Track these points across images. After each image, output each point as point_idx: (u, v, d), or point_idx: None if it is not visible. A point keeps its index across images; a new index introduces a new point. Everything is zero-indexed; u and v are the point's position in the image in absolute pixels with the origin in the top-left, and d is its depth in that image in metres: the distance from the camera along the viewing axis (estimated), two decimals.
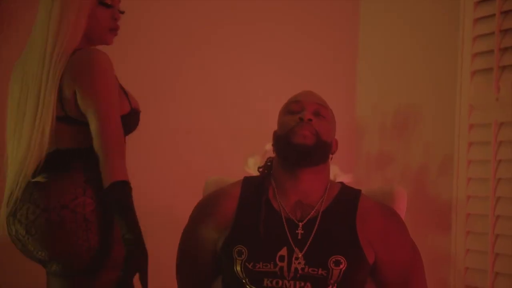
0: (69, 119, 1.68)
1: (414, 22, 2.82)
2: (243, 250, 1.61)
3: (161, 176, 2.79)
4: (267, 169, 1.73)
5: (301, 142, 1.61)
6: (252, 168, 2.64)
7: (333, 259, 1.59)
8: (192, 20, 2.86)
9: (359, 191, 1.72)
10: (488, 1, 2.42)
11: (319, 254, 1.59)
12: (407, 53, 2.85)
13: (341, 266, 1.58)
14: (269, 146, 2.54)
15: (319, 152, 1.63)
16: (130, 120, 1.73)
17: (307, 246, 1.60)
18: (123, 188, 1.57)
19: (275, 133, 1.71)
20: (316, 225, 1.63)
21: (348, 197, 1.69)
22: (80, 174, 1.64)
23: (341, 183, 1.75)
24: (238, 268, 1.60)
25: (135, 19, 2.71)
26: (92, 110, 1.63)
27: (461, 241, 2.46)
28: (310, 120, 1.63)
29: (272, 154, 1.75)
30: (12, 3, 2.60)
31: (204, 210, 1.71)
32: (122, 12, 1.80)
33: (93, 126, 1.62)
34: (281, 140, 1.65)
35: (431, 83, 2.71)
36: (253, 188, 1.69)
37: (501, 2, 2.35)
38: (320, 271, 1.58)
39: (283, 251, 1.60)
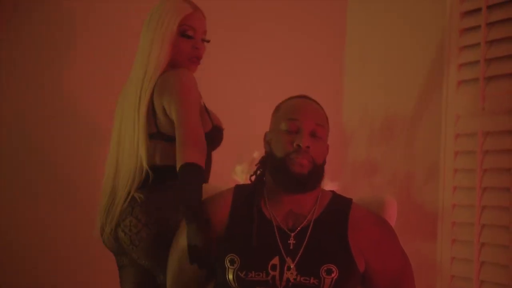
0: (161, 134, 1.90)
1: (401, 31, 2.85)
2: (236, 259, 1.61)
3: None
4: (258, 177, 1.73)
5: (298, 171, 1.61)
6: (240, 175, 2.64)
7: (325, 268, 1.60)
8: None
9: (350, 200, 1.73)
10: (474, 12, 2.45)
11: (311, 263, 1.60)
12: (394, 62, 2.87)
13: (332, 275, 1.59)
14: (257, 154, 2.55)
15: (315, 178, 1.64)
16: (214, 137, 1.95)
17: (299, 255, 1.61)
18: (189, 168, 1.71)
19: (269, 152, 1.67)
20: (308, 234, 1.64)
21: (339, 206, 1.70)
22: (173, 193, 1.86)
23: (332, 191, 1.76)
24: (231, 276, 1.60)
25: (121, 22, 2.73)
26: (174, 111, 1.83)
27: (447, 249, 2.48)
28: (308, 147, 1.62)
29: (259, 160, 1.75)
30: (12, 4, 2.61)
31: None
32: (207, 41, 2.00)
33: (175, 123, 1.82)
34: (277, 164, 1.63)
35: (418, 92, 2.73)
36: (245, 197, 1.69)
37: (487, 14, 2.38)
38: (312, 280, 1.59)
39: (275, 260, 1.60)
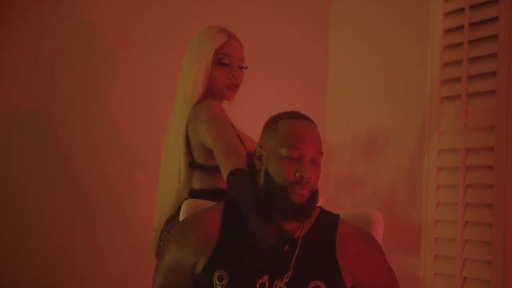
0: (195, 164, 2.02)
1: (385, 48, 2.87)
2: (224, 276, 1.59)
3: (139, 200, 2.75)
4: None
5: (299, 201, 1.59)
6: None
7: (313, 285, 1.59)
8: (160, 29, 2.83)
9: (337, 216, 1.73)
10: (456, 29, 2.48)
11: (299, 280, 1.59)
12: (378, 77, 2.89)
13: None
14: None
15: (312, 204, 1.62)
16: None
17: (289, 273, 1.60)
18: (237, 174, 1.73)
19: (264, 172, 1.63)
20: (297, 251, 1.63)
21: (327, 222, 1.70)
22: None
23: (320, 207, 1.75)
24: None
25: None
26: (208, 136, 1.91)
27: (430, 264, 2.49)
28: (310, 178, 1.60)
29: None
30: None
31: (183, 234, 1.68)
32: (245, 68, 2.06)
33: (212, 144, 1.90)
34: (277, 191, 1.60)
35: (401, 108, 2.75)
36: (235, 213, 1.67)
37: (469, 31, 2.41)
38: None
39: (264, 278, 1.59)
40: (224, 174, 1.78)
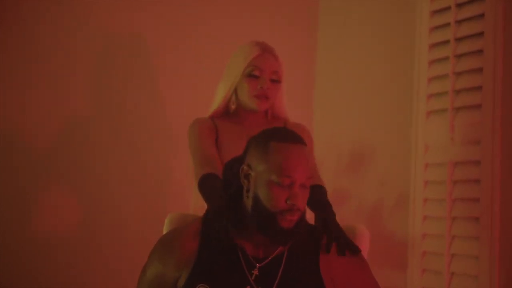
0: None
1: (371, 62, 2.88)
2: None
3: (120, 213, 2.75)
4: (231, 211, 1.68)
5: (287, 226, 1.57)
6: None
7: None
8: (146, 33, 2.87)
9: (323, 230, 1.71)
10: (442, 44, 2.49)
11: None
12: (364, 91, 2.89)
13: None
14: None
15: (300, 226, 1.60)
16: None
17: (274, 286, 1.58)
18: (202, 181, 1.93)
19: (252, 193, 1.59)
20: (283, 264, 1.61)
21: (312, 235, 1.68)
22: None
23: (306, 220, 1.74)
24: None
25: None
26: (190, 152, 2.09)
27: (417, 279, 2.48)
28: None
29: None
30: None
31: (164, 248, 1.66)
32: (277, 81, 2.09)
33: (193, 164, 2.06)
34: (266, 215, 1.57)
35: (387, 122, 2.75)
36: (214, 225, 1.65)
37: (454, 45, 2.42)
38: None
39: None
40: (196, 180, 1.93)
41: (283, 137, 1.61)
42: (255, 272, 1.60)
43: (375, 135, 2.79)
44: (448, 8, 2.47)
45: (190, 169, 2.12)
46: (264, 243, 1.62)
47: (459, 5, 2.42)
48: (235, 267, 1.60)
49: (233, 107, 2.10)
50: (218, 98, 2.13)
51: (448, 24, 2.46)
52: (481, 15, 2.33)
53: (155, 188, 2.80)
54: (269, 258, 1.62)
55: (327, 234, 1.69)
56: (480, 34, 2.33)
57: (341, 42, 3.04)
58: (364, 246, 1.81)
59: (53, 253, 2.65)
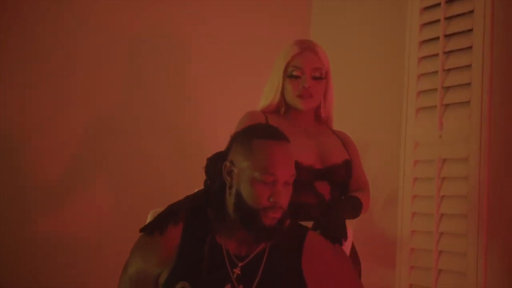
0: None
1: (361, 59, 2.88)
2: (186, 287, 1.57)
3: (103, 209, 2.75)
4: (211, 200, 1.68)
5: (270, 223, 1.57)
6: None
7: None
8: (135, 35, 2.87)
9: (306, 228, 1.72)
10: (432, 41, 2.49)
11: None
12: (354, 89, 2.89)
13: None
14: None
15: (283, 223, 1.60)
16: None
17: (254, 284, 1.58)
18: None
19: (234, 189, 1.60)
20: (264, 261, 1.61)
21: (295, 233, 1.68)
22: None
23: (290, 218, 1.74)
24: None
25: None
26: None
27: (405, 275, 2.48)
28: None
29: None
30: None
31: (146, 246, 1.66)
32: (319, 78, 2.07)
33: None
34: (249, 212, 1.57)
35: (377, 119, 2.75)
36: (197, 222, 1.66)
37: (444, 43, 2.42)
38: None
39: None
40: None
41: (267, 134, 1.61)
42: (237, 271, 1.60)
43: (365, 131, 2.79)
44: (438, 5, 2.46)
45: None
46: (247, 239, 1.62)
47: (448, 2, 2.42)
48: (217, 265, 1.60)
49: (282, 109, 2.09)
50: (264, 99, 2.11)
51: (438, 21, 2.45)
52: (471, 12, 2.33)
53: (155, 189, 2.80)
54: (251, 256, 1.62)
55: (314, 222, 1.75)
56: (469, 31, 2.33)
57: (332, 40, 3.04)
58: (347, 244, 1.81)
59: (53, 253, 2.66)
